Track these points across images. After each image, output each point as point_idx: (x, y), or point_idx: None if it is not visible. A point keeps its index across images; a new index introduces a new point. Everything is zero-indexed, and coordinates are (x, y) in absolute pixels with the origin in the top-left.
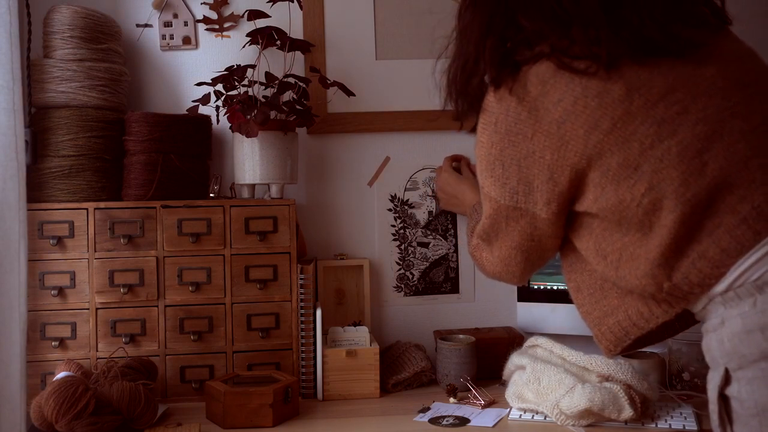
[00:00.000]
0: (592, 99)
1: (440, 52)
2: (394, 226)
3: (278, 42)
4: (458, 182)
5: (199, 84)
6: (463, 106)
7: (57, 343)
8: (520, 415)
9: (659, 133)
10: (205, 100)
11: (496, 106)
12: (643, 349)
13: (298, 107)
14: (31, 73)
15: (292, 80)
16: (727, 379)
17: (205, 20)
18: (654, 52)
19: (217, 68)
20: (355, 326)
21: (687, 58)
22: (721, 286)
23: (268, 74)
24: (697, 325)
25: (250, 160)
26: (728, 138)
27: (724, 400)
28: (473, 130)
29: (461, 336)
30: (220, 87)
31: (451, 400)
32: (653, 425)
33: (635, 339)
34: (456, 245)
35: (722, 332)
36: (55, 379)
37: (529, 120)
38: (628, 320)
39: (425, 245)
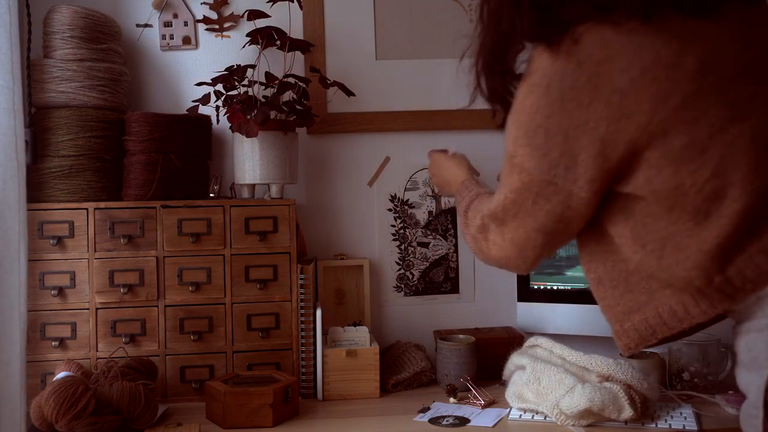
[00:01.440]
0: (662, 70)
1: (463, 51)
2: (394, 226)
3: (278, 42)
4: (446, 159)
5: (199, 84)
6: (498, 92)
7: (57, 343)
8: (520, 415)
9: (731, 116)
10: (205, 100)
11: (550, 68)
12: (643, 350)
13: (298, 107)
14: (31, 73)
15: (292, 80)
16: None
17: (205, 20)
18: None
19: (217, 68)
20: (355, 326)
21: (755, 38)
22: None
23: (268, 74)
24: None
25: (250, 160)
26: None
27: (765, 405)
28: (502, 125)
29: (461, 336)
30: (220, 87)
31: (451, 400)
32: (653, 425)
33: (661, 339)
34: (456, 245)
35: None
36: (55, 379)
37: (587, 86)
38: (658, 318)
39: (425, 245)
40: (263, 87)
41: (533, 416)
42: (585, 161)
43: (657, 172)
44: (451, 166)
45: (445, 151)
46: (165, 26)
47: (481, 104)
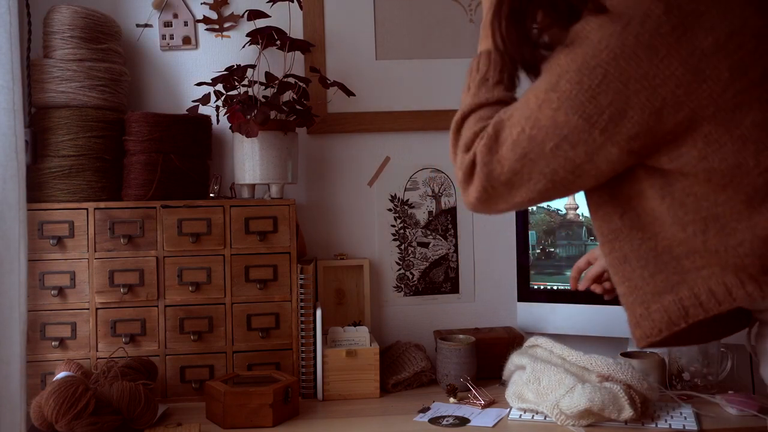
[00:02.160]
0: (749, 40)
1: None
2: (394, 226)
3: (278, 42)
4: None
5: (199, 84)
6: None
7: (57, 343)
8: (520, 415)
9: None
10: (205, 100)
11: (633, 7)
12: (643, 349)
13: (298, 107)
14: (31, 73)
15: (292, 80)
16: None
17: (205, 20)
18: None
19: (217, 68)
20: (355, 326)
21: None
22: None
23: (268, 74)
24: None
25: (250, 160)
26: None
27: None
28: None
29: (461, 336)
30: (220, 87)
31: (451, 400)
32: (653, 425)
33: (690, 324)
34: (456, 245)
35: None
36: (55, 379)
37: (669, 37)
38: (694, 299)
39: (425, 245)
40: (263, 87)
41: (533, 416)
42: (634, 117)
43: (717, 148)
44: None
45: None
46: (165, 26)
47: None
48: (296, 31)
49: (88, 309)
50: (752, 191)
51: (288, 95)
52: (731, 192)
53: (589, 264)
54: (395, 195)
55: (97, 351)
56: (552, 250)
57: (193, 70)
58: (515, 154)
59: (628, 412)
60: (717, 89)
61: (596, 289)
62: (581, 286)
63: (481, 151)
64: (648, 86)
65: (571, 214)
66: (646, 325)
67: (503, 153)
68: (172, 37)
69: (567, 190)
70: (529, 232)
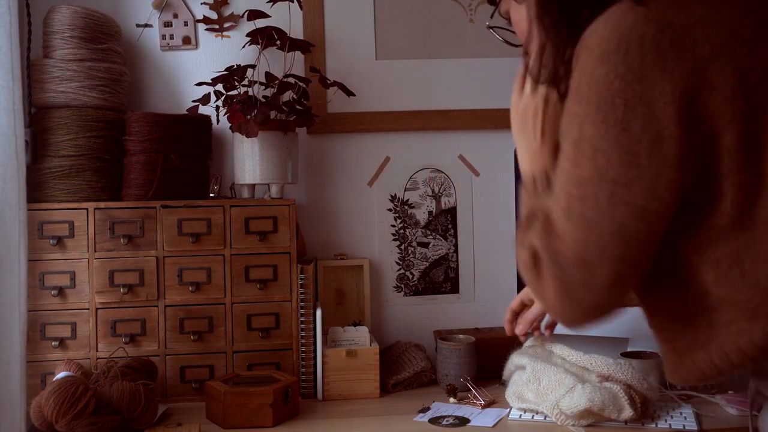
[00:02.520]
0: (742, 44)
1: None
2: (394, 226)
3: (278, 42)
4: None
5: (199, 84)
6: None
7: (57, 343)
8: (520, 415)
9: None
10: (205, 100)
11: (627, 33)
12: (643, 349)
13: (298, 107)
14: (31, 73)
15: (292, 80)
16: None
17: (205, 20)
18: None
19: (217, 68)
20: (355, 326)
21: None
22: None
23: (268, 74)
24: None
25: (250, 160)
26: None
27: None
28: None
29: (461, 336)
30: (220, 87)
31: (451, 400)
32: (653, 425)
33: (726, 375)
34: (456, 245)
35: None
36: (55, 379)
37: (670, 51)
38: (724, 358)
39: (425, 245)
40: (263, 87)
41: (533, 416)
42: (673, 133)
43: (740, 157)
44: (532, 139)
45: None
46: (165, 26)
47: (481, 104)
48: (296, 31)
49: (88, 309)
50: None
51: (288, 95)
52: (758, 213)
53: (524, 305)
54: (395, 195)
55: (97, 351)
56: None
57: (193, 70)
58: (573, 222)
59: (628, 412)
60: (729, 94)
61: (537, 333)
62: (518, 331)
63: (538, 236)
64: (672, 100)
65: None
66: (681, 373)
67: (561, 227)
68: (172, 37)
69: (647, 248)
70: None
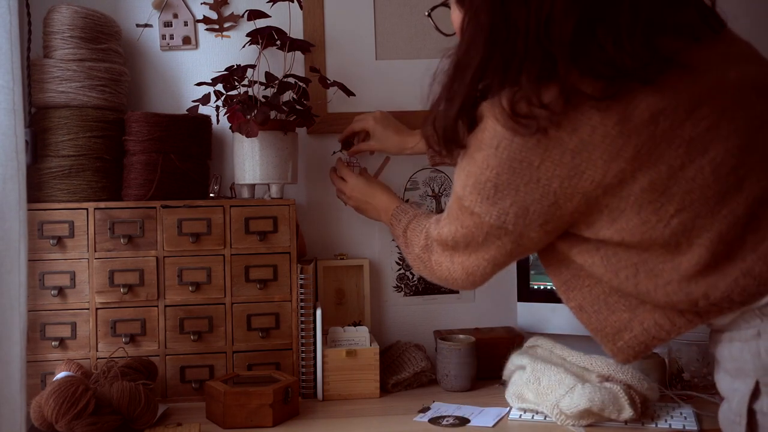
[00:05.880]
0: (612, 127)
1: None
2: None
3: (278, 42)
4: (368, 186)
5: (199, 84)
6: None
7: (57, 343)
8: (520, 415)
9: (689, 153)
10: (205, 100)
11: (500, 129)
12: None
13: (298, 107)
14: (31, 73)
15: (292, 80)
16: (756, 392)
17: (205, 20)
18: (653, 72)
19: (217, 68)
20: (355, 326)
21: (703, 67)
22: (763, 301)
23: (268, 74)
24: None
25: (250, 160)
26: (763, 149)
27: (749, 413)
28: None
29: (461, 336)
30: (220, 87)
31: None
32: (653, 425)
33: (655, 348)
34: None
35: (759, 344)
36: (55, 379)
37: (537, 148)
38: (645, 333)
39: None
40: (263, 87)
41: (533, 416)
42: (537, 210)
43: (619, 214)
44: (376, 193)
45: (350, 165)
46: (165, 26)
47: None
48: (296, 31)
49: (88, 309)
50: (663, 242)
51: (288, 95)
52: (648, 243)
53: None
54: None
55: (97, 351)
56: None
57: (193, 70)
58: (459, 246)
59: (628, 412)
60: (597, 175)
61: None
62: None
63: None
64: (537, 187)
65: None
66: (620, 356)
67: (437, 255)
68: (172, 37)
69: (516, 261)
70: None
